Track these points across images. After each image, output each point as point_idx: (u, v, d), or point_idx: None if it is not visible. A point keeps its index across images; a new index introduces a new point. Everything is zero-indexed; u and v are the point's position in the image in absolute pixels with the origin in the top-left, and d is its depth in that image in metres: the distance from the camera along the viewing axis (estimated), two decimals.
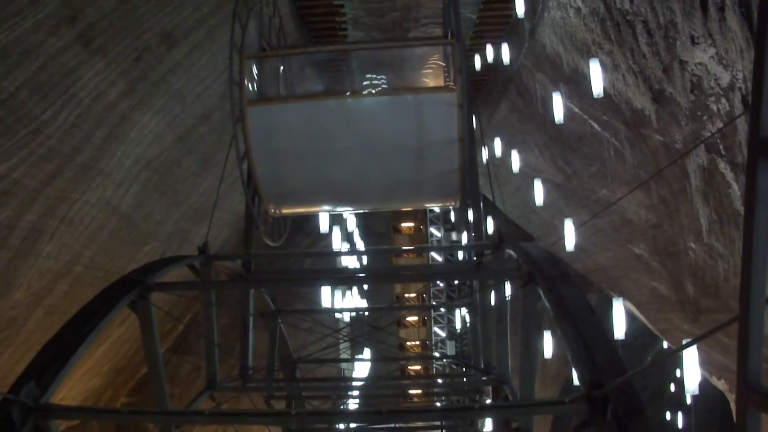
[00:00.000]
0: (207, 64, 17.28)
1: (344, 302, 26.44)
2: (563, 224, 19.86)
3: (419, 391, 17.13)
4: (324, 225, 19.68)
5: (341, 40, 24.06)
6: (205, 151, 20.10)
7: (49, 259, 15.87)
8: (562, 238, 19.31)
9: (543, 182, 22.52)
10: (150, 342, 7.81)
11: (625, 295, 25.62)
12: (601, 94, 13.78)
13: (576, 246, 20.11)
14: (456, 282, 36.76)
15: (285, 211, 12.86)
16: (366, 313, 35.09)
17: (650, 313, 24.15)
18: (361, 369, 24.46)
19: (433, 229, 44.78)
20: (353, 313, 29.83)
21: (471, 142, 11.18)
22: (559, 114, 16.08)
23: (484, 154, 26.18)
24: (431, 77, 13.44)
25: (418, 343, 44.27)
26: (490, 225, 23.27)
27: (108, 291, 7.41)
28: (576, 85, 17.51)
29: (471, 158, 11.27)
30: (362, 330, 23.89)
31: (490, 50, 22.45)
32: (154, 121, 16.67)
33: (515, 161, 22.94)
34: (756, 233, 3.54)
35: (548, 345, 20.19)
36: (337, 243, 24.11)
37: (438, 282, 40.06)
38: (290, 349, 14.32)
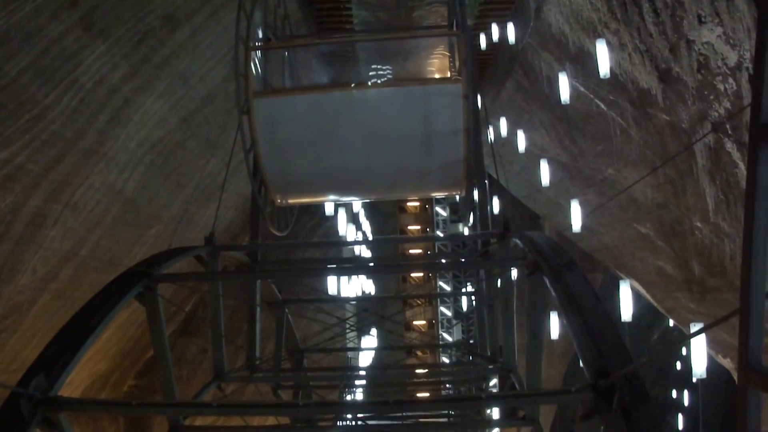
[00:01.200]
0: (210, 45, 17.17)
1: (350, 282, 26.38)
2: (569, 203, 19.82)
3: (426, 380, 17.14)
4: (329, 208, 19.61)
5: (345, 18, 23.90)
6: (209, 132, 20.03)
7: (54, 243, 15.89)
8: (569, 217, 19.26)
9: (549, 162, 22.41)
10: (158, 333, 7.80)
11: (631, 274, 25.61)
12: (608, 75, 13.66)
13: (582, 225, 20.05)
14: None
15: (291, 200, 12.86)
16: (373, 292, 35.12)
17: (656, 292, 24.13)
18: (368, 351, 24.48)
19: (438, 209, 44.79)
20: (360, 295, 29.85)
21: (477, 132, 11.15)
22: (565, 94, 15.95)
23: (490, 134, 26.14)
24: (437, 62, 13.35)
25: (424, 323, 44.32)
26: (495, 206, 23.23)
27: (115, 283, 7.39)
28: (582, 64, 17.36)
29: (477, 147, 11.23)
30: (368, 311, 23.83)
31: (495, 29, 22.24)
32: (158, 103, 16.60)
33: (521, 141, 22.82)
34: (758, 213, 3.58)
35: (555, 326, 20.21)
36: (343, 224, 24.09)
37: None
38: (297, 339, 14.31)
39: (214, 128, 20.02)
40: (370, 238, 36.82)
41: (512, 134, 24.49)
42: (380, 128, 11.26)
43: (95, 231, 17.42)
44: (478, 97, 11.66)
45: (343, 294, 24.81)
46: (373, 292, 34.65)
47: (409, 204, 45.93)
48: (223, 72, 18.30)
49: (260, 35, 12.02)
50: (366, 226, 36.44)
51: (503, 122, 24.49)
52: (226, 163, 11.99)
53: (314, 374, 14.75)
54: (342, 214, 23.48)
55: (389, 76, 13.00)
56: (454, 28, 12.74)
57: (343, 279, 24.49)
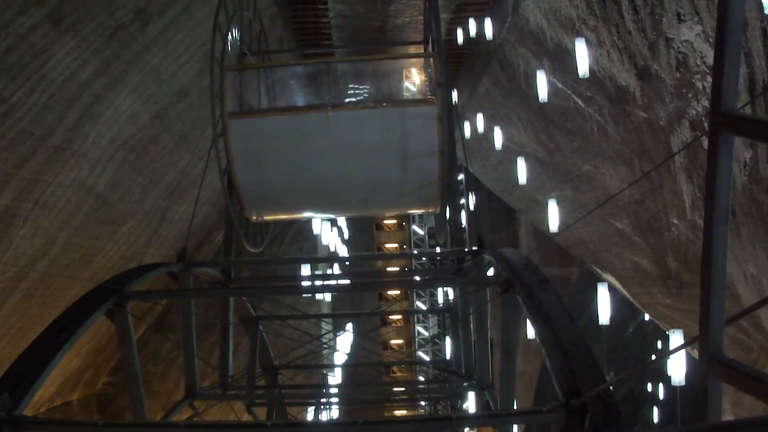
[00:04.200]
0: (183, 40, 16.84)
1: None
2: (545, 198, 19.79)
3: (401, 397, 17.13)
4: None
5: (321, 12, 23.67)
6: (182, 128, 19.70)
7: (24, 242, 15.54)
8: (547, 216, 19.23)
9: (525, 157, 22.38)
10: (128, 351, 7.64)
11: (607, 269, 25.72)
12: (587, 75, 13.60)
13: (559, 221, 20.05)
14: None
15: (267, 217, 12.87)
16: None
17: (632, 287, 24.24)
18: (342, 356, 24.28)
19: (415, 227, 44.87)
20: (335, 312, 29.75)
21: (452, 154, 11.36)
22: (543, 93, 15.88)
23: (466, 130, 26.08)
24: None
25: (401, 341, 44.31)
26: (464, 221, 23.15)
27: (84, 300, 7.22)
28: (560, 60, 17.29)
29: (451, 165, 11.39)
30: (344, 311, 23.76)
31: (472, 24, 22.12)
32: (130, 99, 16.25)
33: (498, 138, 22.76)
34: (718, 201, 3.64)
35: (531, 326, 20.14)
36: (318, 223, 23.92)
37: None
38: (271, 355, 14.18)
39: (188, 124, 19.70)
40: (346, 234, 36.71)
41: (489, 129, 24.44)
42: (356, 148, 11.40)
43: (66, 229, 17.07)
44: (453, 93, 11.67)
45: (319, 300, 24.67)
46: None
47: (386, 222, 46.18)
48: (197, 67, 17.98)
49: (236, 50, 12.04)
50: (342, 222, 36.26)
51: (479, 117, 24.41)
52: (200, 160, 11.89)
53: (288, 392, 14.66)
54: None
55: (366, 95, 13.09)
56: (430, 45, 12.83)
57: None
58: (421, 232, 44.68)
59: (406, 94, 13.65)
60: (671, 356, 11.19)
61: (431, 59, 11.70)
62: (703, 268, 3.71)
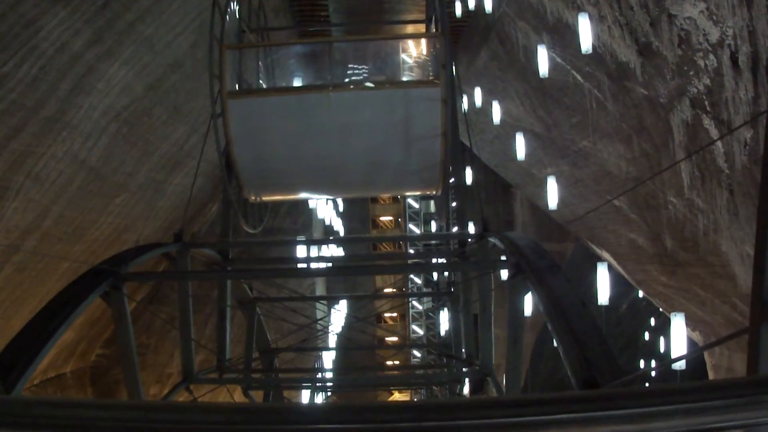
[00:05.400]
0: (177, 10, 16.54)
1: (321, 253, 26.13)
2: (541, 173, 19.60)
3: (399, 381, 17.09)
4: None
5: None
6: (176, 99, 19.45)
7: (16, 215, 15.37)
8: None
9: (522, 132, 22.17)
10: (123, 333, 7.51)
11: (602, 246, 25.65)
12: (590, 51, 13.37)
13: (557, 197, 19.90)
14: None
15: (265, 198, 12.70)
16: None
17: (627, 264, 24.16)
18: (336, 333, 24.22)
19: (411, 226, 44.58)
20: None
21: (455, 135, 11.06)
22: (544, 68, 15.65)
23: (464, 103, 25.85)
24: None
25: (395, 314, 44.23)
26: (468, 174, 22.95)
27: (79, 282, 7.08)
28: (559, 35, 17.03)
29: (454, 147, 11.23)
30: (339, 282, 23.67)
31: None
32: (123, 71, 16.00)
33: (496, 113, 22.52)
34: None
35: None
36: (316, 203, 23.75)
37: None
38: (268, 339, 14.10)
39: (182, 95, 19.45)
40: (341, 207, 36.57)
41: (486, 103, 24.19)
42: (357, 129, 11.22)
43: (59, 202, 16.91)
44: (453, 66, 11.46)
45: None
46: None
47: (382, 219, 46.19)
48: (191, 38, 17.70)
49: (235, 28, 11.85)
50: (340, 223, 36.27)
51: (477, 91, 24.15)
52: (194, 132, 11.74)
53: (285, 375, 14.61)
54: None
55: (367, 75, 12.87)
56: (433, 25, 12.59)
57: (313, 251, 24.26)
58: (416, 205, 44.41)
59: (405, 70, 13.42)
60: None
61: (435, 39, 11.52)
62: (759, 213, 3.77)
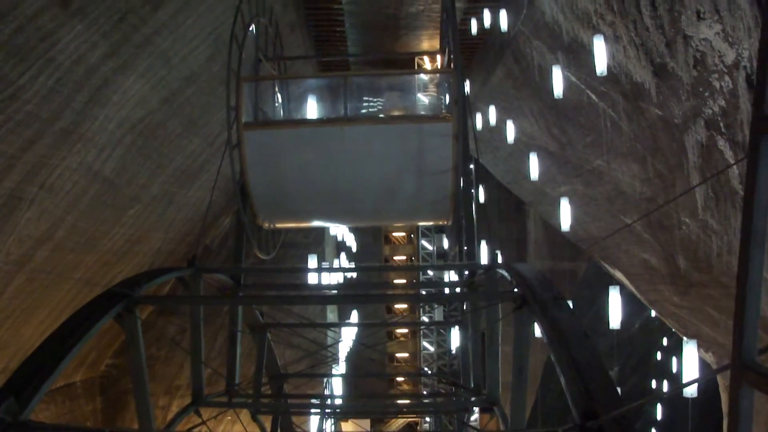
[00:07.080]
0: (194, 24, 16.65)
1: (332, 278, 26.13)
2: (554, 191, 19.53)
3: (407, 410, 17.14)
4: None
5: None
6: (191, 113, 19.56)
7: (29, 225, 15.46)
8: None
9: (536, 150, 22.14)
10: (135, 356, 7.50)
11: (615, 265, 25.50)
12: (605, 73, 13.36)
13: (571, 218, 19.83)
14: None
15: (278, 225, 12.91)
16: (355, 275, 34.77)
17: (640, 284, 24.03)
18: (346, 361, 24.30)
19: (424, 242, 44.66)
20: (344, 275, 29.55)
21: (465, 168, 11.40)
22: (558, 89, 15.65)
23: (478, 121, 25.89)
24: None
25: (407, 355, 44.17)
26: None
27: (93, 304, 7.10)
28: (575, 54, 17.02)
29: (466, 181, 11.47)
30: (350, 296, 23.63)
31: (487, 14, 21.85)
32: (138, 83, 16.11)
33: (510, 132, 22.53)
34: (756, 210, 3.52)
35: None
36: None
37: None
38: (278, 364, 14.11)
39: (197, 108, 19.55)
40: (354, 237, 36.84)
41: (500, 121, 24.18)
42: (370, 161, 11.50)
43: (72, 212, 16.99)
44: (466, 84, 11.62)
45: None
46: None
47: (394, 234, 46.31)
48: (207, 52, 17.81)
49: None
50: (353, 245, 36.40)
51: (491, 109, 24.16)
52: (208, 146, 11.88)
53: (294, 401, 14.61)
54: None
55: (381, 108, 13.18)
56: (446, 57, 12.80)
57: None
58: (429, 247, 44.55)
59: (420, 88, 13.57)
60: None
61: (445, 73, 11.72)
62: (739, 274, 3.60)
